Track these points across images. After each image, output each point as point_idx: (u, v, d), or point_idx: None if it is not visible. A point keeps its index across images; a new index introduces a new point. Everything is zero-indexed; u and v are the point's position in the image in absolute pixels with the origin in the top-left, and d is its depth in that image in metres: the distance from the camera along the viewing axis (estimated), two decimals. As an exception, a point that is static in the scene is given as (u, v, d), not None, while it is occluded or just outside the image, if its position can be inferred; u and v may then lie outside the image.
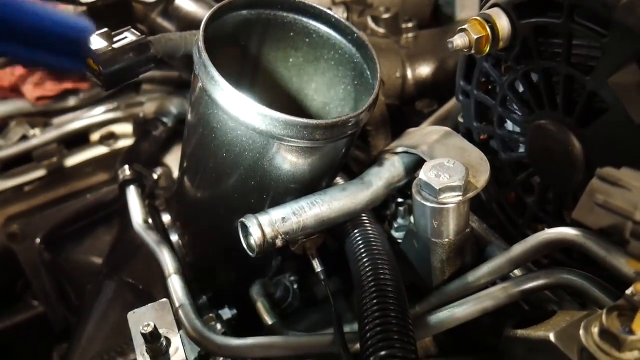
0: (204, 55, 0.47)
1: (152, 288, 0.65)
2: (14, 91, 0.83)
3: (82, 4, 0.69)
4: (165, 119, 0.78)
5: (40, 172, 0.86)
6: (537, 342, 0.38)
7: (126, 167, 0.66)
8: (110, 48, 0.52)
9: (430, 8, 0.88)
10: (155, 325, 0.46)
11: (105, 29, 0.54)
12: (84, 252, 0.77)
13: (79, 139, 0.89)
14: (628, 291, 0.33)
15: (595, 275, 0.40)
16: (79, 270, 0.75)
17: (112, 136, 0.89)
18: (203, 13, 0.69)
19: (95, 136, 0.89)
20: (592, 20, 0.37)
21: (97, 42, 0.53)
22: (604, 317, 0.34)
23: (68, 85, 0.83)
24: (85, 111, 0.84)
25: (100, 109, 0.84)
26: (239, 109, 0.46)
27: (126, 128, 0.90)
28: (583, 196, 0.33)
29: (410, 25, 0.76)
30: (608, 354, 0.31)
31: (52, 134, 0.80)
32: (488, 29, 0.43)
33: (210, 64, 0.46)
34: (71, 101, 0.85)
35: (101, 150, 0.89)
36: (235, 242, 0.49)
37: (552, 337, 0.37)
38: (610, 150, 0.39)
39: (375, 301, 0.44)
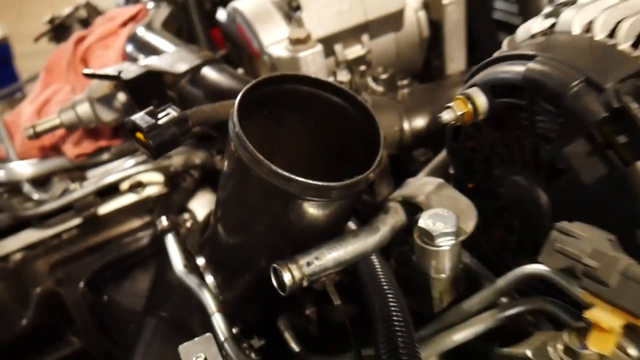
0: (238, 129, 0.57)
1: (190, 324, 0.74)
2: (55, 150, 0.94)
3: (123, 80, 0.80)
4: (192, 171, 0.88)
5: (76, 221, 0.96)
6: (518, 359, 0.48)
7: (163, 218, 0.76)
8: (157, 124, 0.62)
9: (422, 62, 0.99)
10: (205, 357, 0.55)
11: (151, 107, 0.64)
12: (124, 293, 0.86)
13: (110, 188, 0.99)
14: (585, 315, 0.43)
15: (566, 301, 0.50)
16: (119, 309, 0.85)
17: (140, 185, 0.98)
18: (226, 81, 0.79)
19: (124, 185, 0.99)
20: (550, 104, 0.48)
21: (144, 119, 0.63)
22: (566, 336, 0.44)
23: (103, 143, 0.93)
24: (118, 164, 0.95)
25: (131, 161, 0.94)
26: (267, 174, 0.56)
27: (152, 177, 1.00)
28: (545, 244, 0.44)
29: (405, 82, 0.86)
30: (569, 366, 0.41)
31: (91, 187, 0.90)
32: (470, 106, 0.54)
33: (243, 136, 0.56)
34: (105, 156, 0.95)
35: (131, 198, 0.99)
36: (265, 281, 0.59)
37: (529, 353, 0.47)
38: (569, 204, 0.49)
39: (386, 326, 0.54)
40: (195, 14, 1.03)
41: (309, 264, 0.59)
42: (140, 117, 0.63)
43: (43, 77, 1.01)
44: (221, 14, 1.01)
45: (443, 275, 0.58)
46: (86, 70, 0.80)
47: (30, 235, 0.93)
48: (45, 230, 0.93)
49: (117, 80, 0.76)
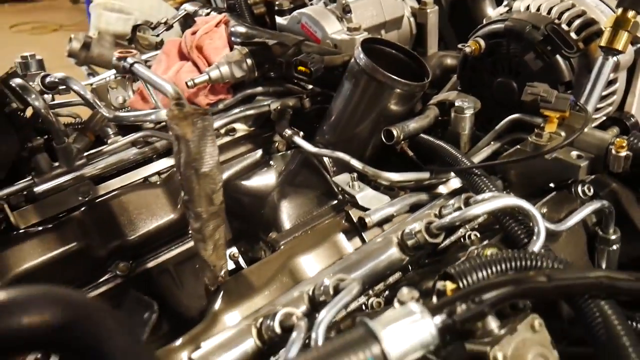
0: (366, 59, 1.10)
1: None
2: (189, 102, 1.40)
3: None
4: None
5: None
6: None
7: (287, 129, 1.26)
8: (312, 60, 1.15)
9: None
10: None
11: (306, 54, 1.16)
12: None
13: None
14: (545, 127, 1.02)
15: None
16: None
17: (233, 130, 1.47)
18: (322, 50, 1.33)
19: (222, 130, 1.46)
20: (516, 40, 1.09)
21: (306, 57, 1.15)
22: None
23: (222, 96, 1.41)
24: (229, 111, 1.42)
25: (237, 109, 1.42)
26: (384, 77, 1.09)
27: (240, 126, 1.48)
28: (524, 93, 1.04)
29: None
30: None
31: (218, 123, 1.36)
32: (477, 45, 1.13)
33: (370, 61, 1.10)
34: (220, 106, 1.42)
35: (226, 139, 1.46)
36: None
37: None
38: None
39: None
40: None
41: (403, 129, 1.13)
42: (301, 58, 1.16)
43: (164, 59, 1.47)
44: (280, 20, 1.55)
45: (465, 132, 1.15)
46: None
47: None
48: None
49: (262, 46, 1.27)
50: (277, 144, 1.37)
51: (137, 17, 2.36)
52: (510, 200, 0.84)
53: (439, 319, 0.58)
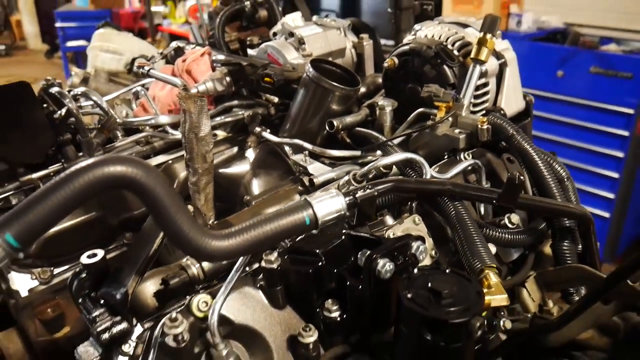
0: (315, 72, 1.54)
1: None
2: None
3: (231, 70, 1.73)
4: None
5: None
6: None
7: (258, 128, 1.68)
8: (277, 75, 1.57)
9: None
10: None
11: (278, 67, 1.59)
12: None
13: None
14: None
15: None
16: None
17: (215, 135, 1.87)
18: (282, 72, 1.77)
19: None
20: (418, 56, 1.55)
21: (270, 71, 1.57)
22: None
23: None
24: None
25: (217, 118, 1.84)
26: (328, 85, 1.53)
27: (221, 132, 1.89)
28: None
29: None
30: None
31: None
32: (392, 61, 1.59)
33: (317, 73, 1.53)
34: None
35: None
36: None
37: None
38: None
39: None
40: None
41: (341, 121, 1.56)
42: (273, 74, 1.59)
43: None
44: (251, 52, 1.99)
45: (387, 124, 1.59)
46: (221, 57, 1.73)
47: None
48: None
49: (238, 66, 1.69)
50: (249, 142, 1.78)
51: (127, 57, 2.78)
52: (407, 154, 1.27)
53: (347, 198, 0.98)
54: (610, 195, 3.84)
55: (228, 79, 1.73)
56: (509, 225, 1.27)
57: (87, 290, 1.06)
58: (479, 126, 1.33)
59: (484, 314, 1.02)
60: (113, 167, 0.80)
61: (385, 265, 0.91)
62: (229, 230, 0.89)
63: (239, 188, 1.69)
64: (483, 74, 1.46)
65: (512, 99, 1.54)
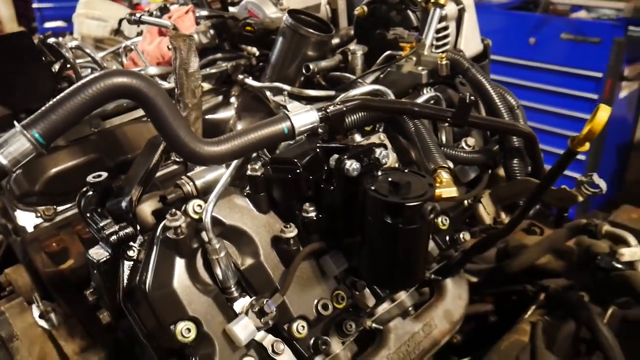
0: (292, 20, 1.68)
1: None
2: (168, 62, 1.94)
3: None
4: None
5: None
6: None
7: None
8: (258, 24, 1.72)
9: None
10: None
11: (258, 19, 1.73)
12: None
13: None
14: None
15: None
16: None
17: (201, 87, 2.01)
18: (262, 22, 1.91)
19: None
20: None
21: (250, 20, 1.72)
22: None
23: None
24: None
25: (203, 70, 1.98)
26: (305, 32, 1.68)
27: (206, 85, 2.03)
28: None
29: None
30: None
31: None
32: None
33: (295, 21, 1.68)
34: None
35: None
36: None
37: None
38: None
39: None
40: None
41: (317, 65, 1.72)
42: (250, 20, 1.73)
43: (148, 35, 2.02)
44: (232, 9, 2.13)
45: (358, 67, 1.74)
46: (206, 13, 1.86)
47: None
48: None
49: (220, 19, 1.83)
50: (233, 91, 1.92)
51: (112, 24, 2.90)
52: (373, 86, 1.43)
53: (319, 112, 1.14)
54: (582, 157, 4.05)
55: (212, 31, 1.87)
56: (465, 148, 1.44)
57: (93, 206, 1.21)
58: (439, 62, 1.49)
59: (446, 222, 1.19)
60: (121, 78, 0.94)
61: (352, 165, 1.07)
62: (218, 138, 1.05)
63: (224, 132, 1.83)
64: (443, 18, 1.62)
65: (471, 42, 1.70)
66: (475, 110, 1.52)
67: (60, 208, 1.69)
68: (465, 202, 1.49)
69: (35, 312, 1.57)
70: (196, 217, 1.12)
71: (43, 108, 0.92)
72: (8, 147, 0.88)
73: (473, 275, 2.26)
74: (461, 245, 1.50)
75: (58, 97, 0.92)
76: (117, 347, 1.40)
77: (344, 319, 1.26)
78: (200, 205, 1.12)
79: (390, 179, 1.04)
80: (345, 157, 1.08)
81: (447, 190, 1.10)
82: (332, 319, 1.23)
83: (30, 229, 1.65)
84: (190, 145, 0.99)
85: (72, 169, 1.68)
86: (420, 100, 1.47)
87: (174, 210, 1.05)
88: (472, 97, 1.23)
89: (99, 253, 1.14)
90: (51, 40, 1.65)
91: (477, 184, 1.48)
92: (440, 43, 1.66)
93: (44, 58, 1.69)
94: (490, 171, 1.49)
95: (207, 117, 1.86)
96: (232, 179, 1.17)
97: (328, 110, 1.12)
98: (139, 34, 2.33)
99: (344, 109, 1.14)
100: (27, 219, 1.67)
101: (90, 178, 1.21)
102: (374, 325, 1.38)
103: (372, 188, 1.03)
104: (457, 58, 1.49)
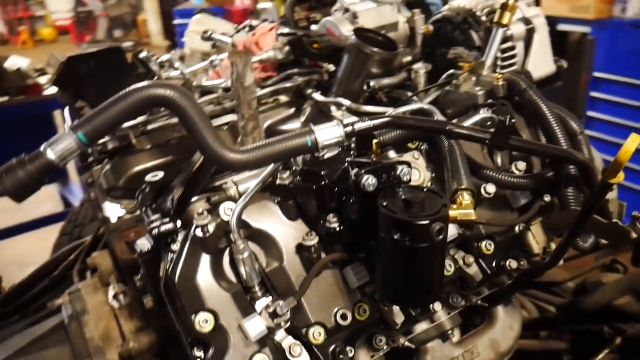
0: (357, 40, 1.74)
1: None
2: (248, 76, 2.08)
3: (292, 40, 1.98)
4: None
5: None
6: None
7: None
8: (324, 41, 1.80)
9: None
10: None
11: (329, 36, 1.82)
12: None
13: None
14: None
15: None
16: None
17: (277, 99, 2.13)
18: (330, 40, 1.99)
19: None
20: None
21: (317, 37, 1.80)
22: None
23: (270, 73, 2.09)
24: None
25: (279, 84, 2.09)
26: (370, 50, 1.72)
27: (283, 97, 2.14)
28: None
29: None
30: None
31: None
32: None
33: (361, 41, 1.73)
34: (269, 81, 2.10)
35: (271, 104, 2.13)
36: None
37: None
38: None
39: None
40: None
41: (378, 82, 1.75)
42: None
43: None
44: (314, 27, 2.23)
45: (420, 85, 1.74)
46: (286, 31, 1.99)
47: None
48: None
49: (295, 37, 1.94)
50: (305, 105, 2.01)
51: (219, 40, 3.13)
52: (419, 104, 1.44)
53: (346, 127, 1.18)
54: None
55: (287, 48, 1.98)
56: (515, 172, 1.40)
57: (149, 202, 1.35)
58: (495, 82, 1.46)
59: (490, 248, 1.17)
60: (156, 90, 1.06)
61: (368, 179, 1.10)
62: (245, 147, 1.13)
63: (291, 143, 1.93)
64: (509, 38, 1.58)
65: (541, 63, 1.64)
66: (532, 133, 1.46)
67: (140, 203, 1.88)
68: (516, 228, 1.44)
69: (111, 292, 1.76)
70: (226, 218, 1.21)
71: (90, 113, 1.06)
72: (57, 144, 1.03)
73: (550, 305, 2.15)
74: (511, 273, 1.45)
75: (103, 104, 1.06)
76: (165, 331, 1.54)
77: (374, 332, 1.28)
78: (230, 208, 1.21)
79: (404, 196, 1.06)
80: (363, 172, 1.11)
81: (463, 212, 1.09)
82: (358, 330, 1.25)
83: (113, 220, 1.85)
84: (217, 151, 1.08)
85: (152, 169, 1.86)
86: (471, 120, 1.44)
87: (201, 210, 1.15)
88: (512, 119, 1.20)
89: (143, 244, 1.27)
90: (142, 55, 1.85)
91: (528, 210, 1.42)
92: (506, 63, 1.62)
93: (137, 70, 1.90)
94: (545, 199, 1.43)
95: (278, 127, 1.96)
96: (264, 185, 1.25)
97: (355, 127, 1.16)
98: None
99: (372, 125, 1.17)
100: (112, 210, 1.88)
101: (148, 177, 1.36)
102: (407, 343, 1.38)
103: (384, 204, 1.05)
104: (515, 79, 1.45)
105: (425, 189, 1.10)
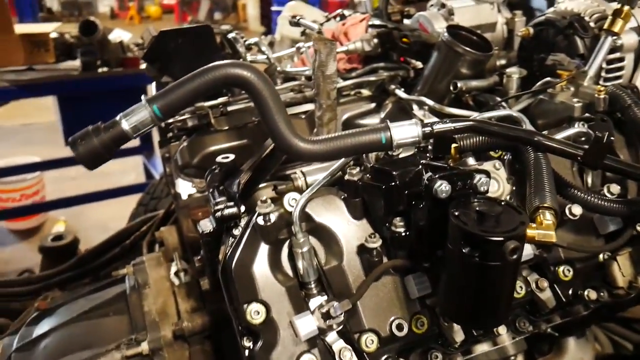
0: (450, 38, 1.65)
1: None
2: (332, 66, 2.04)
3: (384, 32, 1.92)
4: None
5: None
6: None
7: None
8: (414, 36, 1.72)
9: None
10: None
11: (409, 32, 1.74)
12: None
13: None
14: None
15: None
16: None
17: (360, 92, 2.07)
18: (423, 36, 1.90)
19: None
20: None
21: (409, 32, 1.73)
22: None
23: (355, 65, 2.04)
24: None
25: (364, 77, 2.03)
26: (460, 48, 1.63)
27: (365, 91, 2.08)
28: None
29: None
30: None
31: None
32: None
33: (453, 39, 1.64)
34: (353, 73, 2.05)
35: (353, 97, 2.08)
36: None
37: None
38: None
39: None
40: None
41: (466, 83, 1.65)
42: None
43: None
44: (406, 21, 2.15)
45: (512, 91, 1.63)
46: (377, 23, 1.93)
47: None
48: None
49: (385, 29, 1.87)
50: (387, 101, 1.95)
51: (310, 28, 3.11)
52: (507, 111, 1.33)
53: (425, 127, 1.11)
54: None
55: (375, 40, 1.92)
56: (607, 195, 1.27)
57: (216, 183, 1.34)
58: (596, 95, 1.33)
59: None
60: (233, 69, 1.03)
61: (441, 186, 1.02)
62: (316, 138, 1.09)
63: (368, 139, 1.87)
64: (618, 48, 1.44)
65: (652, 78, 1.48)
66: (632, 154, 1.32)
67: (212, 183, 1.89)
68: (600, 257, 1.31)
69: (173, 268, 1.79)
70: (290, 209, 1.17)
71: (167, 87, 1.05)
72: (132, 116, 1.03)
73: (628, 341, 1.97)
74: (588, 304, 1.33)
75: (180, 80, 1.04)
76: (220, 315, 1.54)
77: (431, 348, 1.21)
78: (295, 199, 1.17)
79: (478, 208, 0.98)
80: (437, 177, 1.03)
81: (543, 233, 0.99)
82: (414, 343, 1.19)
83: (184, 197, 1.88)
84: (286, 138, 1.05)
85: (227, 149, 1.87)
86: (563, 134, 1.32)
87: (265, 197, 1.12)
88: (611, 137, 1.08)
89: (206, 225, 1.27)
90: (231, 35, 1.85)
91: (617, 238, 1.29)
92: (611, 75, 1.48)
93: (225, 50, 1.90)
94: (638, 228, 1.29)
95: (356, 121, 1.91)
96: (333, 178, 1.20)
97: (434, 127, 1.09)
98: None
99: (452, 128, 1.09)
100: (184, 188, 1.90)
101: (219, 158, 1.35)
102: (465, 364, 1.30)
103: (456, 214, 0.98)
104: (619, 93, 1.31)
105: (503, 203, 1.01)
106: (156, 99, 1.03)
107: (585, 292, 1.29)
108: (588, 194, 1.21)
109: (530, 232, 0.98)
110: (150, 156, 5.00)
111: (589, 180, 1.37)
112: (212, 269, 1.30)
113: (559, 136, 1.33)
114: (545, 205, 1.03)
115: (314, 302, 1.16)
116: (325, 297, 1.17)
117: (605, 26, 1.40)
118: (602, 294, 1.29)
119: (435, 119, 1.37)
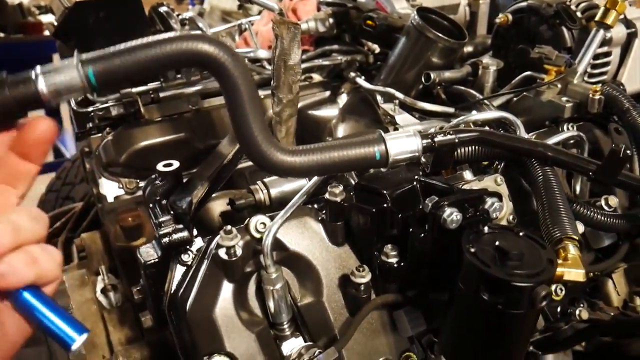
0: (421, 21, 1.46)
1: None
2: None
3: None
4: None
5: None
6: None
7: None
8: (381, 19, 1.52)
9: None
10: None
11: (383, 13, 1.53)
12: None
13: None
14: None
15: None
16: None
17: (310, 77, 1.85)
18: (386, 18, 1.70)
19: (302, 77, 1.86)
20: None
21: (374, 14, 1.52)
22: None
23: (306, 47, 1.81)
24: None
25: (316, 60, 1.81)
26: (432, 34, 1.45)
27: (316, 76, 1.86)
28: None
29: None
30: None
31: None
32: None
33: (424, 23, 1.46)
34: (303, 56, 1.82)
35: (304, 83, 1.85)
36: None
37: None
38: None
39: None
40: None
41: (439, 74, 1.48)
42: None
43: (265, 15, 1.89)
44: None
45: (488, 84, 1.48)
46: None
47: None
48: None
49: (343, 8, 1.65)
50: (343, 88, 1.74)
51: (243, -2, 2.82)
52: (500, 113, 1.17)
53: (424, 140, 0.92)
54: None
55: (331, 20, 1.70)
56: (605, 208, 1.15)
57: (158, 197, 1.08)
58: (591, 95, 1.20)
59: (560, 293, 0.93)
60: (203, 45, 0.75)
61: (452, 215, 0.84)
62: (297, 148, 0.86)
63: (324, 132, 1.66)
64: (606, 42, 1.31)
65: (638, 75, 1.37)
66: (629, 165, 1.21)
67: (142, 183, 1.62)
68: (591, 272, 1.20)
69: (99, 285, 1.52)
70: (257, 236, 0.96)
71: (110, 48, 0.74)
72: (55, 74, 0.71)
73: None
74: (575, 321, 1.21)
75: (130, 43, 0.74)
76: (163, 349, 1.30)
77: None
78: (264, 224, 0.96)
79: (497, 242, 0.81)
80: (445, 203, 0.85)
81: (571, 271, 0.84)
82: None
83: (110, 199, 1.59)
84: (260, 146, 0.80)
85: (161, 145, 1.60)
86: (557, 138, 1.19)
87: (229, 227, 0.90)
88: (627, 151, 0.95)
89: (148, 253, 1.02)
90: (162, 9, 1.56)
91: (612, 254, 1.18)
92: (596, 71, 1.35)
93: (155, 27, 1.61)
94: (632, 242, 1.18)
95: (309, 112, 1.69)
96: (309, 197, 1.00)
97: (436, 140, 0.90)
98: (260, 13, 2.22)
99: (456, 140, 0.91)
100: (109, 189, 1.61)
101: (160, 166, 1.09)
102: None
103: (472, 250, 0.80)
104: (616, 95, 1.18)
105: (520, 233, 0.85)
106: (94, 61, 0.71)
107: (578, 312, 1.18)
108: (591, 210, 1.09)
109: (557, 270, 0.83)
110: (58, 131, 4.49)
111: (577, 188, 1.25)
112: (156, 305, 1.06)
113: (551, 141, 1.19)
114: (569, 235, 0.87)
115: (287, 346, 0.96)
116: (301, 339, 0.97)
117: (597, 18, 1.27)
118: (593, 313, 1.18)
119: (429, 126, 1.20)
